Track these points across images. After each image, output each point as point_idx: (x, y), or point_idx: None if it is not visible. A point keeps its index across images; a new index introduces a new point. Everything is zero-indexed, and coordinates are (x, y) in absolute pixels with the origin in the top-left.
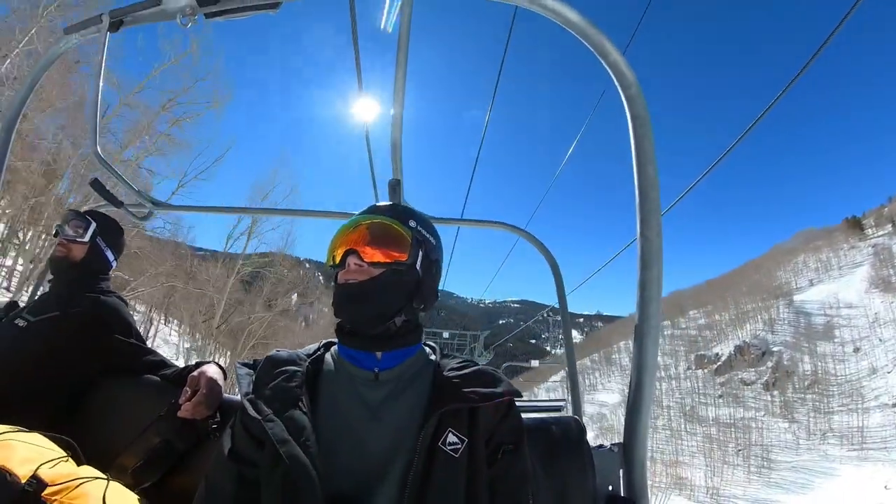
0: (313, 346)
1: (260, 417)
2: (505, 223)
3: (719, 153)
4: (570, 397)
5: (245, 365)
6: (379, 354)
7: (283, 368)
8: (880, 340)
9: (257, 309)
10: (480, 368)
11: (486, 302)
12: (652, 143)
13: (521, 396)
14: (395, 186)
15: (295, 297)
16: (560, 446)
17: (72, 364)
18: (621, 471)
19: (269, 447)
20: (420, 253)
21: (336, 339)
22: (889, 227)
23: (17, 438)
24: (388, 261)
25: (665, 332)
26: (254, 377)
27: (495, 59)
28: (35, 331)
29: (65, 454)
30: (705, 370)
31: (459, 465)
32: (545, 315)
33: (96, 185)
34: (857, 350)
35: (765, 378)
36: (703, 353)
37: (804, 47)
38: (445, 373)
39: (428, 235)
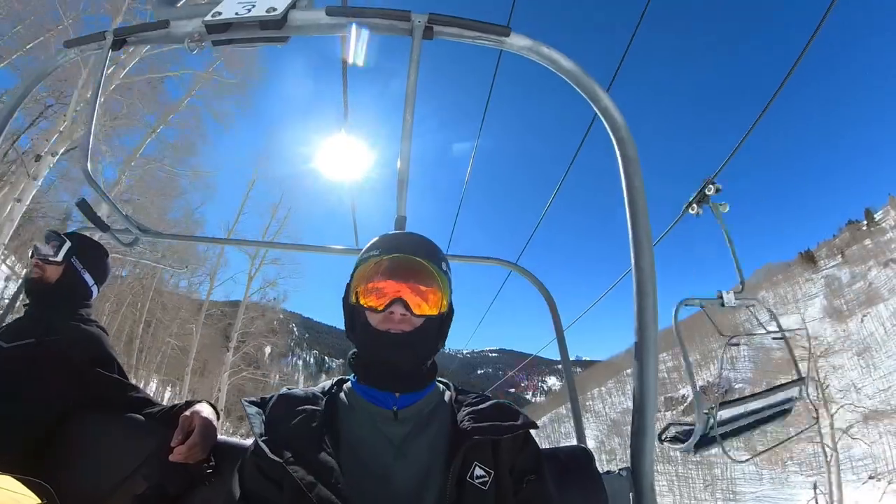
0: (327, 384)
1: (281, 461)
2: (498, 259)
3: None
4: (573, 428)
5: (253, 403)
6: (397, 393)
7: (302, 408)
8: (833, 368)
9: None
10: (497, 402)
11: (464, 352)
12: (641, 180)
13: (538, 427)
14: (401, 224)
15: (269, 349)
16: (571, 474)
17: (47, 397)
18: (631, 494)
19: (292, 491)
20: (450, 296)
21: (346, 377)
22: (839, 258)
23: None
24: (432, 314)
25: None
26: (264, 416)
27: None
28: (8, 358)
29: (39, 501)
30: (673, 411)
31: (488, 498)
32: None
33: (83, 206)
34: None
35: None
36: (671, 395)
37: (764, 92)
38: (464, 407)
39: (451, 277)
